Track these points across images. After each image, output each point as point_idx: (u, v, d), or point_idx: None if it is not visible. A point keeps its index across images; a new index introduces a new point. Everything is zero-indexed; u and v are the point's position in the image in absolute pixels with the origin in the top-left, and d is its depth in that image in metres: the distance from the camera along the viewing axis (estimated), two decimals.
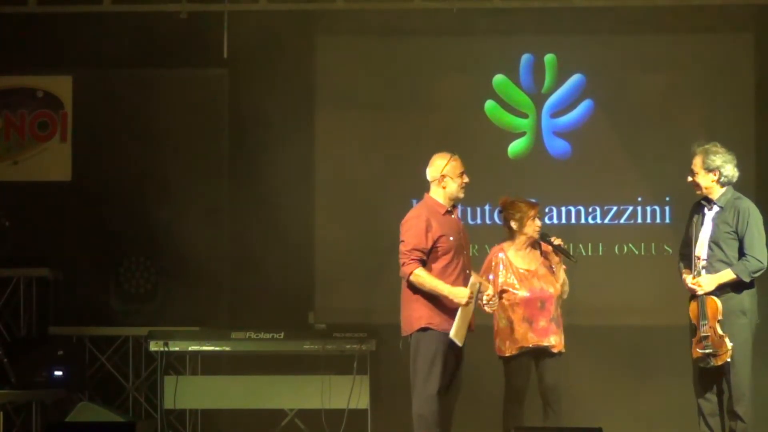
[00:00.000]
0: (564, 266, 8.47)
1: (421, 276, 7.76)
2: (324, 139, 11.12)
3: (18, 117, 11.18)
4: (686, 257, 8.15)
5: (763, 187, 10.75)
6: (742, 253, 7.98)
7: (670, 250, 10.88)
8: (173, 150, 10.92)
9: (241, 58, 10.80)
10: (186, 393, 9.96)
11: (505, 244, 8.47)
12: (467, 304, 7.77)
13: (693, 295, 8.03)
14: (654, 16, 10.75)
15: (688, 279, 8.02)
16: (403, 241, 7.85)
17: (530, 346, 8.30)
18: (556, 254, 8.43)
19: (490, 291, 8.08)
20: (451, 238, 7.87)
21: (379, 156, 11.02)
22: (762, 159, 10.82)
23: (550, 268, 8.44)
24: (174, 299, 10.69)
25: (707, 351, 7.93)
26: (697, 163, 8.13)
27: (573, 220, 10.97)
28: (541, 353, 8.35)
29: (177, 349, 9.91)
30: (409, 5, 10.71)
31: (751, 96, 10.91)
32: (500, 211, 8.55)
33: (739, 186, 8.23)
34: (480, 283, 7.97)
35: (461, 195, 7.99)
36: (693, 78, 10.93)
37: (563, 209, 10.97)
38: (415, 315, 7.84)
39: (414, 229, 7.84)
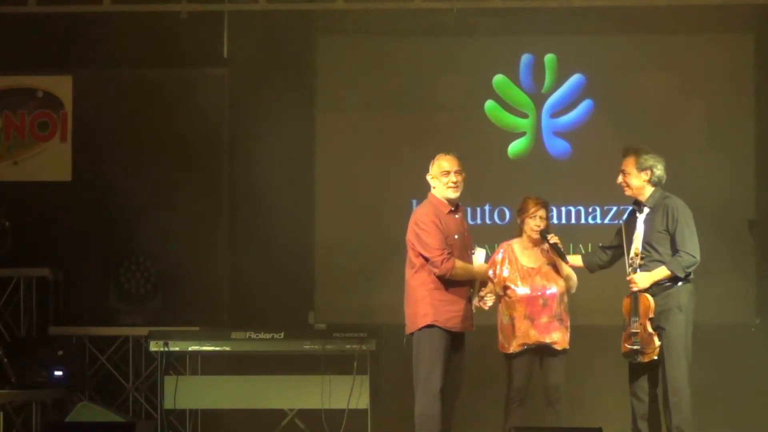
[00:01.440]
0: (567, 263, 8.49)
1: (462, 267, 7.89)
2: (324, 139, 11.12)
3: (18, 117, 11.18)
4: (606, 250, 8.43)
5: (763, 187, 10.76)
6: (675, 250, 8.08)
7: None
8: (173, 150, 10.92)
9: (241, 58, 10.80)
10: (186, 393, 9.95)
11: (514, 240, 8.55)
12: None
13: (630, 292, 8.13)
14: (654, 16, 10.74)
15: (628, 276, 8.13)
16: (426, 242, 7.87)
17: (532, 343, 8.32)
18: (554, 253, 8.47)
19: (488, 286, 8.12)
20: (456, 236, 7.92)
21: (379, 156, 11.02)
22: (762, 159, 10.82)
23: (554, 265, 8.46)
24: (174, 299, 10.69)
25: (635, 347, 8.03)
26: (630, 162, 8.27)
27: (573, 220, 10.98)
28: (544, 351, 8.36)
29: (177, 349, 9.90)
30: (409, 5, 10.71)
31: (751, 96, 10.91)
32: None
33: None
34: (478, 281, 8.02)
35: (450, 195, 7.99)
36: (693, 78, 10.92)
37: (563, 209, 10.97)
38: (421, 312, 7.89)
39: (432, 227, 7.88)
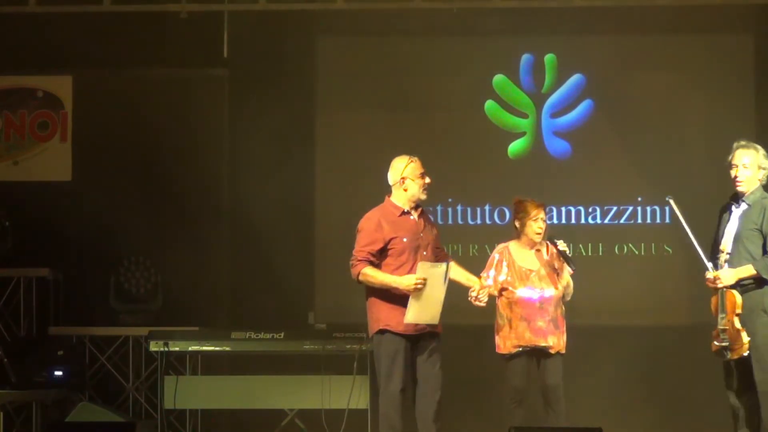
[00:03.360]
0: (571, 270, 8.46)
1: (368, 274, 7.85)
2: (324, 139, 11.13)
3: (18, 117, 11.19)
4: (714, 255, 8.08)
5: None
6: (765, 251, 7.92)
7: (670, 250, 10.90)
8: (173, 150, 10.92)
9: (241, 58, 10.81)
10: (186, 393, 9.95)
11: (511, 243, 8.52)
12: (415, 289, 7.77)
13: (715, 290, 7.95)
14: (654, 16, 10.75)
15: (709, 273, 7.96)
16: (355, 245, 7.93)
17: (528, 345, 8.32)
18: (560, 258, 8.45)
19: (477, 285, 8.03)
20: (405, 240, 7.88)
21: (379, 156, 10.97)
22: None
23: (553, 269, 8.45)
24: (174, 299, 10.69)
25: (724, 344, 7.88)
26: (752, 158, 8.05)
27: (573, 220, 10.98)
28: (540, 353, 8.35)
29: (177, 349, 9.89)
30: (409, 5, 10.70)
31: (751, 96, 10.91)
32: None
33: None
34: (447, 267, 7.89)
35: (423, 196, 7.98)
36: (693, 78, 10.93)
37: (563, 209, 10.98)
38: (374, 317, 7.94)
39: (363, 231, 7.92)
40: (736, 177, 8.06)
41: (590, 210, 11.01)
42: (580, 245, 10.79)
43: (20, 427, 9.94)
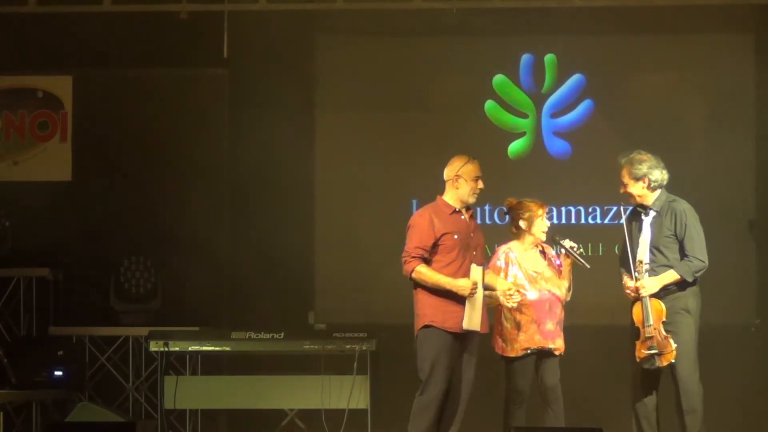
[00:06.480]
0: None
1: (423, 272, 7.86)
2: (324, 139, 11.12)
3: (18, 117, 11.18)
4: (625, 263, 8.26)
5: (763, 187, 10.76)
6: (683, 255, 8.12)
7: None
8: (173, 150, 10.92)
9: (241, 58, 10.80)
10: (186, 393, 9.95)
11: (512, 244, 8.45)
12: (470, 294, 7.81)
13: (636, 299, 8.13)
14: (654, 16, 10.75)
15: (629, 283, 8.15)
16: (406, 242, 7.96)
17: (536, 347, 8.30)
18: (568, 257, 8.41)
19: (505, 285, 8.09)
20: (456, 237, 7.92)
21: (379, 156, 11.03)
22: (762, 159, 10.82)
23: (555, 270, 8.43)
24: (174, 299, 10.69)
25: (652, 352, 8.05)
26: (625, 174, 8.26)
27: (573, 220, 10.98)
28: (543, 354, 8.35)
29: (177, 349, 9.90)
30: (409, 5, 10.71)
31: (751, 96, 10.91)
32: (507, 212, 8.53)
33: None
34: (483, 272, 7.96)
35: (471, 200, 8.06)
36: (693, 78, 10.93)
37: (563, 209, 10.98)
38: (420, 313, 7.95)
39: (416, 227, 7.95)
40: (623, 194, 8.31)
41: (590, 210, 11.01)
42: (580, 245, 10.77)
43: (20, 427, 9.94)
